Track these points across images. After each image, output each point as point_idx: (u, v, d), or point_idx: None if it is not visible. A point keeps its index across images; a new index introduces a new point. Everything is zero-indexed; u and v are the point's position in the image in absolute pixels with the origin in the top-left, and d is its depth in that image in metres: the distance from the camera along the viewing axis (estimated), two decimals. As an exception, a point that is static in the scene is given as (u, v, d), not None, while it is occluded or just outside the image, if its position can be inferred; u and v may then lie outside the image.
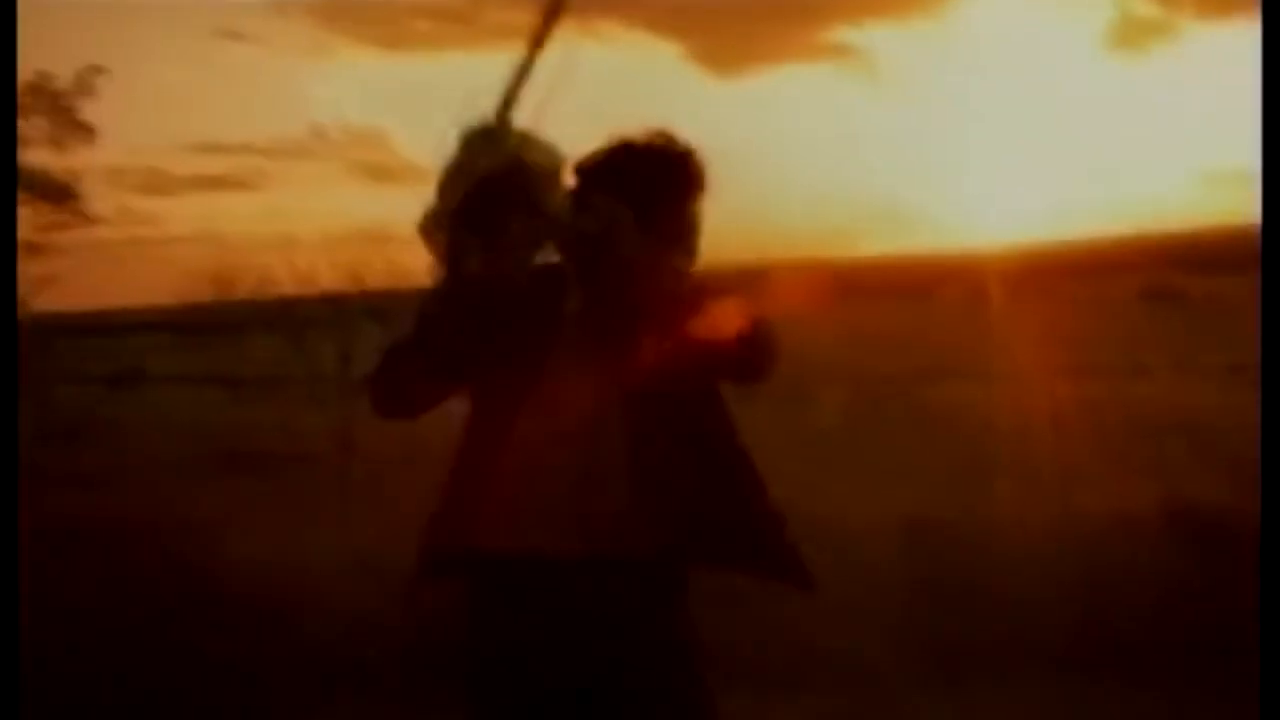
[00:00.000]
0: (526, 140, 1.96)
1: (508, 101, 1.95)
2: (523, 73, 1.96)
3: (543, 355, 2.05)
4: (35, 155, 8.44)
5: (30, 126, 8.38)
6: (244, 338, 11.23)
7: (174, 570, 4.97)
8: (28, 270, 7.70)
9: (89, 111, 8.76)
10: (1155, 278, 36.24)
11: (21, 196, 8.04)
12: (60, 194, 8.64)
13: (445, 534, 2.09)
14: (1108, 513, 5.23)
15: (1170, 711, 3.90)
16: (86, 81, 8.70)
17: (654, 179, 2.06)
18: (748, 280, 2.31)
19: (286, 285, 10.24)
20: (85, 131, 8.75)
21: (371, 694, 4.10)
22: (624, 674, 2.04)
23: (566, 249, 2.05)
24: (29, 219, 8.32)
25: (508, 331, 2.03)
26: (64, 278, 8.64)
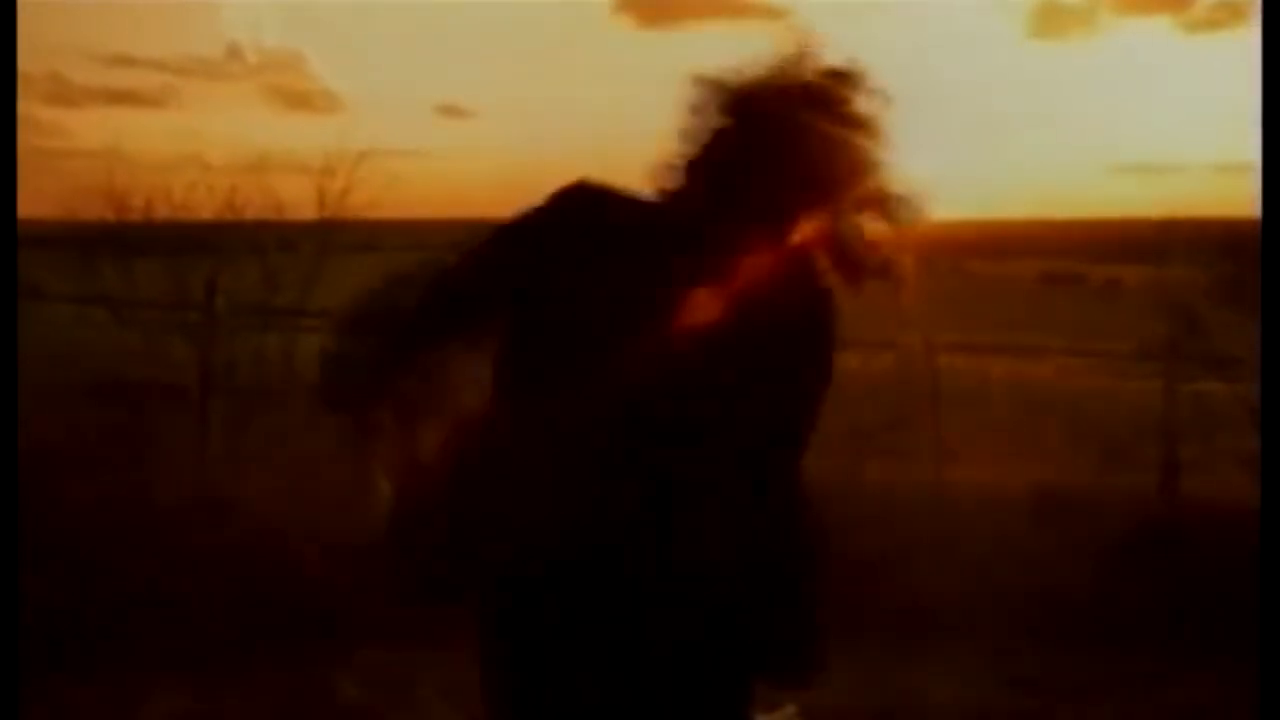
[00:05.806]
0: None
1: None
2: None
3: None
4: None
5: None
6: (131, 260, 10.87)
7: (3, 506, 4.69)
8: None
9: None
10: (1057, 262, 37.02)
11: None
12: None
13: None
14: (977, 488, 5.24)
15: (1019, 687, 3.91)
16: None
17: None
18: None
19: (174, 209, 9.89)
20: None
21: (204, 638, 3.92)
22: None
23: None
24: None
25: None
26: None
